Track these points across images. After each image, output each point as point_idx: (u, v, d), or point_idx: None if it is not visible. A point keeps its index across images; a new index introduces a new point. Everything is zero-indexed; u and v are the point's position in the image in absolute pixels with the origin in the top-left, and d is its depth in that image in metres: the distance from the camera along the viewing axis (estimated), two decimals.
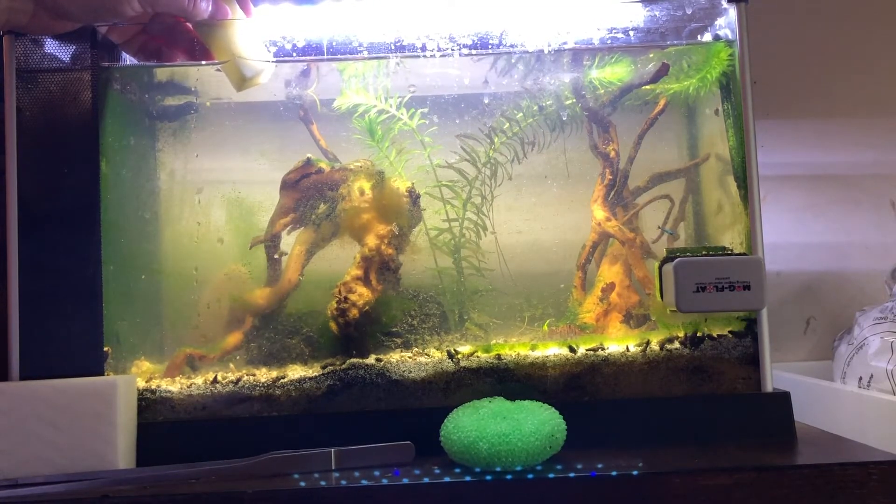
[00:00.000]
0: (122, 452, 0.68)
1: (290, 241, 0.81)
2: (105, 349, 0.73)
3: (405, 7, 0.79)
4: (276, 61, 0.79)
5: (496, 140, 0.83)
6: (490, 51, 0.81)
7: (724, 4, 0.80)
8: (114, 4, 0.70)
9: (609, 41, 0.82)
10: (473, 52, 0.80)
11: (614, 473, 0.62)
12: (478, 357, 0.77)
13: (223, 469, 0.66)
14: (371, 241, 0.80)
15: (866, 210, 1.12)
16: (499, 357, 0.76)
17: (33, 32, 0.72)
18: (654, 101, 0.84)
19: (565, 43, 0.81)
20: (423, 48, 0.79)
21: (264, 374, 0.77)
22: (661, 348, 0.77)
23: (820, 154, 1.12)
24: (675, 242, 0.84)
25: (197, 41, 0.78)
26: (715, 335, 0.78)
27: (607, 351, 0.77)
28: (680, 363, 0.77)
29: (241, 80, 0.76)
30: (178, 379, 0.77)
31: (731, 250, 0.77)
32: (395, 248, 0.80)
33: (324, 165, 0.82)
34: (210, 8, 0.75)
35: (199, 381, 0.76)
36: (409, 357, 0.77)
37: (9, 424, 0.66)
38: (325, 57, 0.80)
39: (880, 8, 1.13)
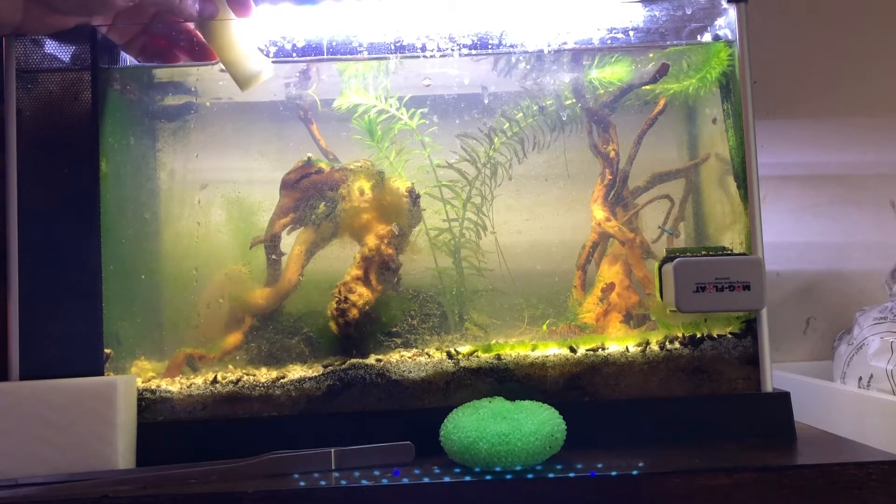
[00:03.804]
0: (122, 452, 0.68)
1: (290, 241, 0.81)
2: (106, 351, 0.73)
3: (405, 7, 0.79)
4: (276, 61, 0.79)
5: (496, 140, 0.83)
6: (490, 51, 0.81)
7: (724, 4, 0.80)
8: None
9: (609, 41, 0.82)
10: (473, 52, 0.80)
11: (614, 473, 0.62)
12: (478, 357, 0.77)
13: (223, 469, 0.66)
14: (371, 241, 0.80)
15: (866, 210, 1.12)
16: (499, 357, 0.76)
17: (27, 30, 0.71)
18: (653, 101, 0.84)
19: (565, 43, 0.81)
20: (423, 48, 0.79)
21: (264, 374, 0.77)
22: (661, 348, 0.77)
23: (820, 154, 1.12)
24: (675, 242, 0.84)
25: (198, 41, 0.78)
26: (715, 335, 0.78)
27: (607, 351, 0.77)
28: (680, 363, 0.77)
29: (246, 80, 0.76)
30: (178, 379, 0.77)
31: (731, 250, 0.77)
32: (395, 248, 0.80)
33: (324, 165, 0.82)
34: (197, 5, 0.74)
35: (199, 381, 0.76)
36: (409, 357, 0.77)
37: (9, 424, 0.66)
38: (325, 57, 0.80)
39: (880, 8, 1.13)
